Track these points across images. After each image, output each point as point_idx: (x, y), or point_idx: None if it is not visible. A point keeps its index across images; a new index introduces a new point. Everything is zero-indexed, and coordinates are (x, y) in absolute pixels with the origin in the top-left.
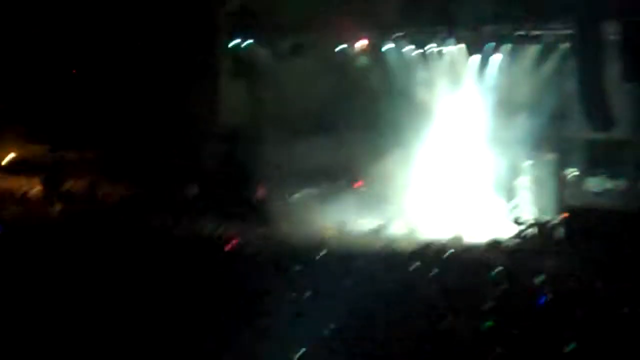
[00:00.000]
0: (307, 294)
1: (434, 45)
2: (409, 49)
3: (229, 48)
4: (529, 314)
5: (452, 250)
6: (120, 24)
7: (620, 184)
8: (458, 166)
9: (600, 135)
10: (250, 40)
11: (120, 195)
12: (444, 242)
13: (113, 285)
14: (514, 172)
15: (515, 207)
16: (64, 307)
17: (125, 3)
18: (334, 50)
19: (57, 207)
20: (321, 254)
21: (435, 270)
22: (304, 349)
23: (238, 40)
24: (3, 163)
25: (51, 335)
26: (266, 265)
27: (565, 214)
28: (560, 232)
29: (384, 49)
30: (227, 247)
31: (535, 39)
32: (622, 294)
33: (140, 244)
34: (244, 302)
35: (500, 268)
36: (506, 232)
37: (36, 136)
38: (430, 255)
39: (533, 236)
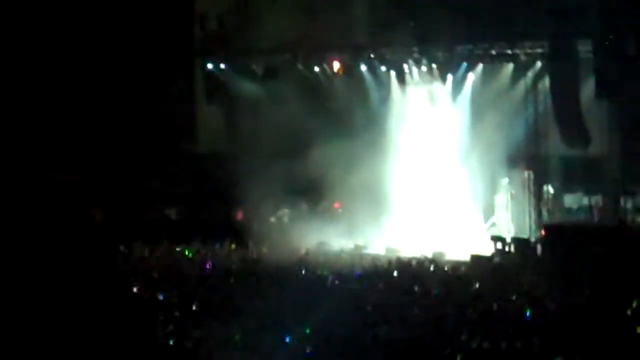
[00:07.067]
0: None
1: (408, 65)
2: (383, 69)
3: (205, 71)
4: (513, 330)
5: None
6: (96, 48)
7: (596, 200)
8: (436, 184)
9: (576, 152)
10: (226, 63)
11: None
12: (425, 258)
13: None
14: (491, 189)
15: (493, 225)
16: None
17: (100, 27)
18: (308, 72)
19: None
20: (302, 273)
21: (417, 287)
22: None
23: (213, 63)
24: None
25: None
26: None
27: (543, 231)
28: (538, 249)
29: (357, 69)
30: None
31: (509, 58)
32: (599, 310)
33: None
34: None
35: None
36: (485, 249)
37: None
38: (412, 272)
39: (511, 253)
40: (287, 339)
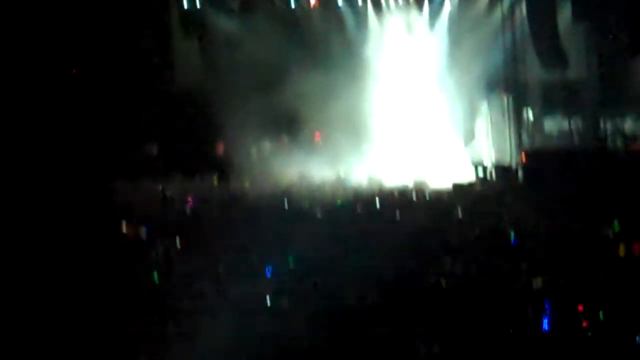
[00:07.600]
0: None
1: None
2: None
3: (180, 7)
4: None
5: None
6: None
7: (576, 124)
8: (416, 112)
9: (555, 76)
10: None
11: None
12: (407, 187)
13: None
14: (471, 115)
15: (474, 151)
16: None
17: None
18: (284, 5)
19: None
20: (285, 205)
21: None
22: None
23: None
24: None
25: None
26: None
27: (523, 157)
28: (519, 174)
29: (334, 1)
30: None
31: None
32: (582, 235)
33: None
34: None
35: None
36: (467, 175)
37: None
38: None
39: (493, 179)
40: (271, 270)
